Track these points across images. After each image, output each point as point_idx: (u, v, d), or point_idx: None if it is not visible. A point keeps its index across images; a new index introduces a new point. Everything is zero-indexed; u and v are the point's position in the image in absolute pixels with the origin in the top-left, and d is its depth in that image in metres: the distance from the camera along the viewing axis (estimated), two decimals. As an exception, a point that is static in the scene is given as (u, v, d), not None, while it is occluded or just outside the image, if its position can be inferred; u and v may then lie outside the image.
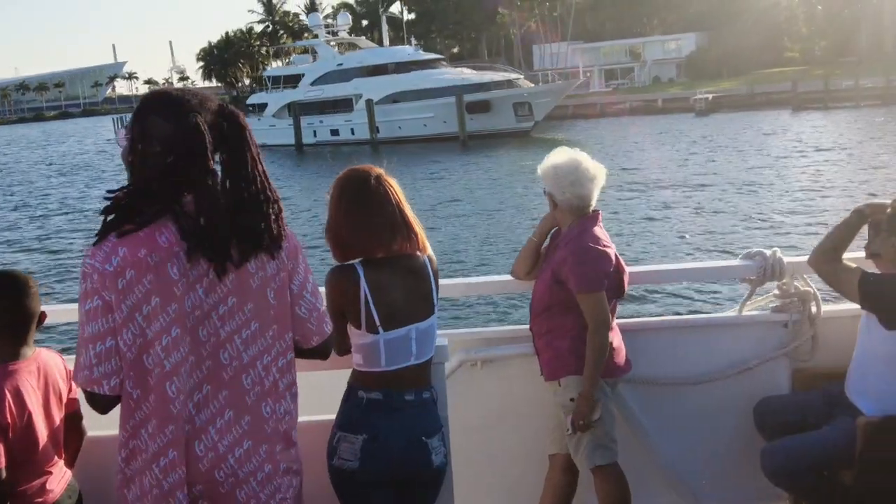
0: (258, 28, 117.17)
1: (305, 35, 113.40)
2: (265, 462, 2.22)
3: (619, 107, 65.93)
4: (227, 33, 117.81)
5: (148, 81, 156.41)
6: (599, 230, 3.54)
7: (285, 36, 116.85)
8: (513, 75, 55.12)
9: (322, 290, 2.36)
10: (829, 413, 3.50)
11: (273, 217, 2.18)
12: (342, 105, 56.28)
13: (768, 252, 3.83)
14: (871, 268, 3.51)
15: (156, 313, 2.06)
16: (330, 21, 67.90)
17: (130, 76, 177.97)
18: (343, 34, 62.91)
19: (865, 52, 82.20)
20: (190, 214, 2.08)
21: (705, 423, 3.93)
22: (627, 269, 3.65)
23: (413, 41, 62.96)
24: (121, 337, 2.07)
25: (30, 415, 2.52)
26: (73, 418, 2.72)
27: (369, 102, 52.62)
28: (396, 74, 54.20)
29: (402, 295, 2.69)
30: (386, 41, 62.61)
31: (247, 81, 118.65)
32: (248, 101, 63.53)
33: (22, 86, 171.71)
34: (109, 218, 2.10)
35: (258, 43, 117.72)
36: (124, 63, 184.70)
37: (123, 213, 2.10)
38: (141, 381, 2.10)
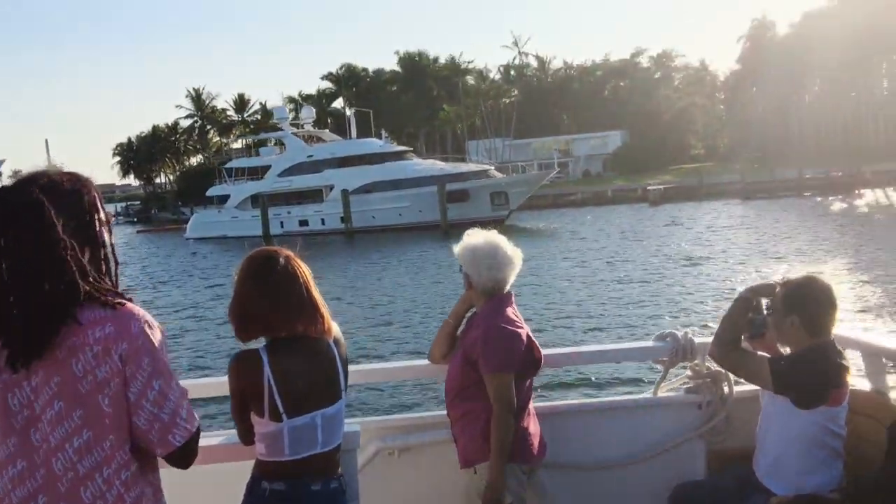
0: (185, 123, 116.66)
1: (234, 130, 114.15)
2: None
3: (572, 198, 68.93)
4: (154, 128, 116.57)
5: (15, 173, 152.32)
6: (511, 310, 3.48)
7: (213, 131, 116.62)
8: (485, 166, 57.21)
9: (175, 393, 2.11)
10: (742, 497, 3.47)
11: (42, 319, 1.95)
12: (310, 196, 56.95)
13: (680, 333, 3.88)
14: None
15: None
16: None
17: (15, 173, 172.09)
18: (308, 127, 63.82)
19: (771, 148, 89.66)
20: None
21: None
22: (543, 352, 3.61)
23: (383, 133, 64.47)
24: None
25: None
26: None
27: (345, 192, 53.35)
28: (369, 165, 55.36)
29: (307, 380, 2.63)
30: (353, 133, 63.88)
31: (171, 178, 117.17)
32: (208, 193, 63.24)
33: None
34: None
35: (184, 138, 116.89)
36: (3, 161, 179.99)
37: None
38: None
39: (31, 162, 2.12)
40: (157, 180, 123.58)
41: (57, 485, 1.97)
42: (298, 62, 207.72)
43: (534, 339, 3.52)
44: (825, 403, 3.23)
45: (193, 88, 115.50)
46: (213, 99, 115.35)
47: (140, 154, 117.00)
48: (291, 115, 69.69)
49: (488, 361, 3.33)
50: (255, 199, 57.71)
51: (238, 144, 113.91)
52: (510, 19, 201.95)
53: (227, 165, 64.48)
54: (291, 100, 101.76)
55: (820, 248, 29.38)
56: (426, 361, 3.78)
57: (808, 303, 3.30)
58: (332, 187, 55.59)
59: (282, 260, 2.69)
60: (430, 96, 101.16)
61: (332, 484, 2.70)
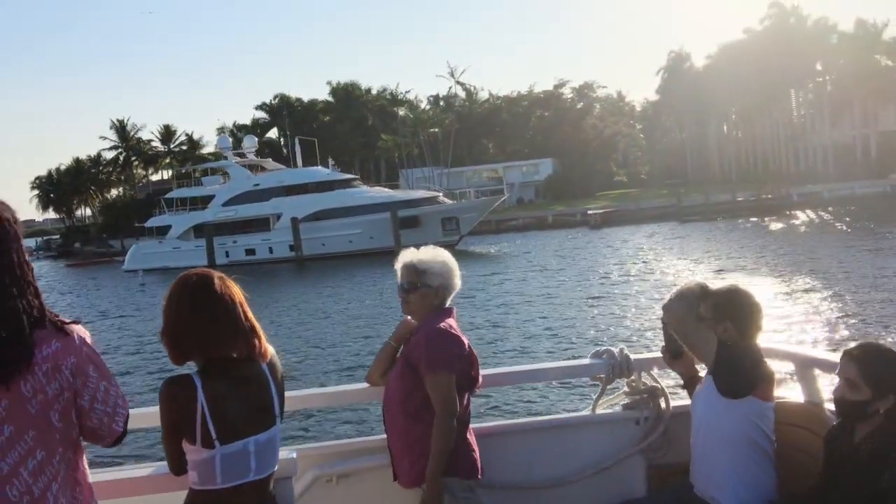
0: (108, 155, 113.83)
1: (160, 161, 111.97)
2: None
3: (514, 223, 70.34)
4: (76, 160, 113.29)
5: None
6: (453, 321, 3.47)
7: (137, 162, 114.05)
8: (435, 192, 58.14)
9: (114, 388, 2.20)
10: None
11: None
12: (257, 225, 56.68)
13: (616, 350, 3.90)
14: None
15: None
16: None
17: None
18: (251, 156, 63.43)
19: (691, 174, 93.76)
20: None
21: None
22: (481, 371, 3.57)
23: (330, 161, 64.54)
24: None
25: None
26: None
27: (294, 220, 53.31)
28: (317, 193, 55.53)
29: (241, 405, 2.57)
30: (299, 162, 63.78)
31: (94, 210, 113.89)
32: (148, 224, 61.96)
33: None
34: None
35: (109, 170, 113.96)
36: None
37: None
38: None
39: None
40: (78, 213, 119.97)
41: None
42: (226, 93, 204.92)
43: (475, 351, 3.47)
44: (752, 392, 3.32)
45: (118, 119, 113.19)
46: (138, 130, 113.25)
47: (61, 187, 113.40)
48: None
49: (430, 360, 3.28)
50: (198, 229, 57.11)
51: (158, 176, 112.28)
52: (435, 52, 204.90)
53: (168, 195, 63.49)
54: (225, 129, 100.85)
55: (749, 266, 30.64)
56: (364, 385, 3.69)
57: (738, 308, 3.42)
58: (279, 215, 55.56)
59: (216, 281, 2.62)
60: (364, 126, 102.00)
61: None
